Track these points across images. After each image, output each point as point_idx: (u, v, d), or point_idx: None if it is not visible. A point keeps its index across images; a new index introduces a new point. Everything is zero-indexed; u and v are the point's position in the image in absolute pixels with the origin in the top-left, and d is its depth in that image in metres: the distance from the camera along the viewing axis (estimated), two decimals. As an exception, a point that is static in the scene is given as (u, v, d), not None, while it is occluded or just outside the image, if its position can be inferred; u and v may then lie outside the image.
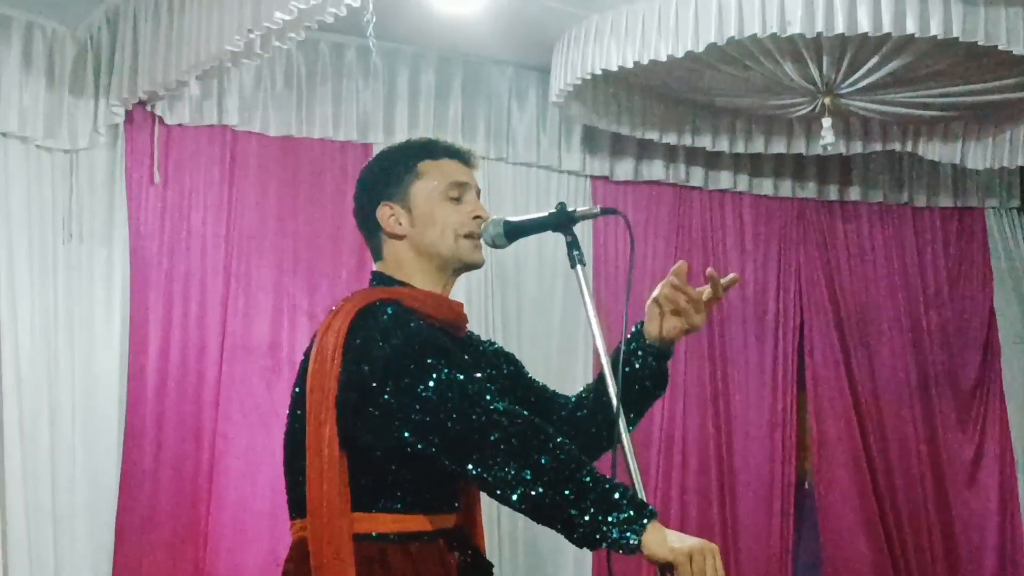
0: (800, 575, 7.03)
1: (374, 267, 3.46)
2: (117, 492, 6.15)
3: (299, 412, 3.25)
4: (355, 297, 3.30)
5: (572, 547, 3.03)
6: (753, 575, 6.80)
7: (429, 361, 3.07)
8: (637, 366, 3.42)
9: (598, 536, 2.90)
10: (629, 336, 3.45)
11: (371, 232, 3.44)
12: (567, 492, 2.91)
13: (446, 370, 3.06)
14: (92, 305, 6.26)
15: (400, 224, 3.38)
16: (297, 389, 3.29)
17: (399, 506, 3.18)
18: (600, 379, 3.44)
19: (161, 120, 6.42)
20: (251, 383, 6.47)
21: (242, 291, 6.54)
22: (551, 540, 3.04)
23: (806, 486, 7.15)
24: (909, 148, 7.28)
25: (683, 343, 7.06)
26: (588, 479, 2.92)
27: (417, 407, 3.04)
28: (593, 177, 7.40)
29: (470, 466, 2.99)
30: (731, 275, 3.53)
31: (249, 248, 6.61)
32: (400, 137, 6.44)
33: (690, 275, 7.02)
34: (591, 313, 3.21)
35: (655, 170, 7.45)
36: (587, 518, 2.89)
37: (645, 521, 2.88)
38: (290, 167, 6.74)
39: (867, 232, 7.73)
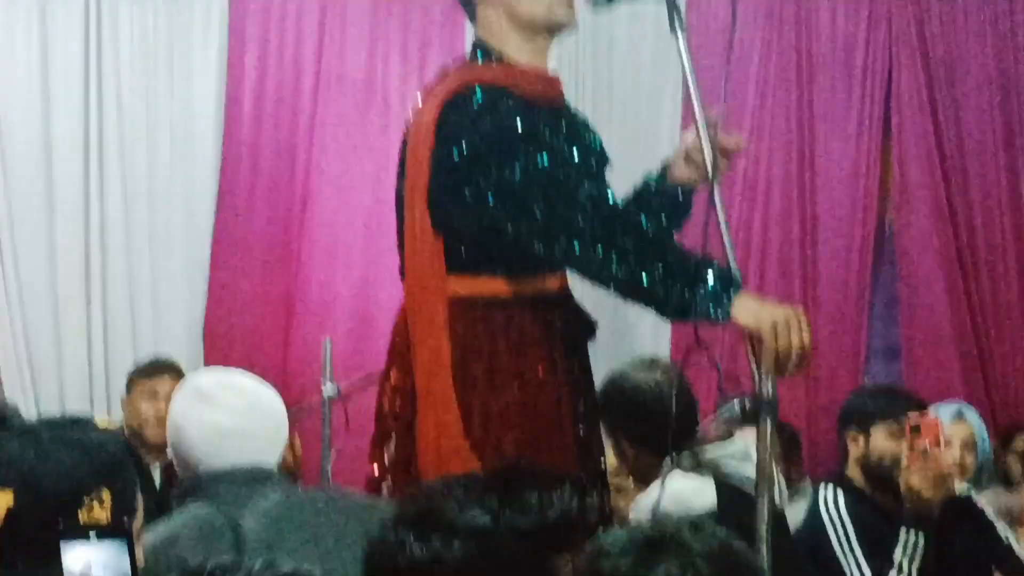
0: (877, 318, 7.10)
1: (476, 32, 3.42)
2: (213, 214, 6.35)
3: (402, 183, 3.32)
4: (450, 78, 3.31)
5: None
6: (831, 318, 6.87)
7: (518, 146, 3.11)
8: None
9: (688, 310, 3.00)
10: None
11: None
12: (654, 271, 2.99)
13: (536, 156, 3.11)
14: (190, 34, 6.37)
15: None
16: (401, 160, 3.34)
17: (500, 270, 3.25)
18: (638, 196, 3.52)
19: None
20: (345, 115, 6.54)
21: (337, 24, 6.57)
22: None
23: (887, 231, 7.16)
24: None
25: (770, 89, 7.12)
26: (672, 257, 3.01)
27: (505, 192, 3.11)
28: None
29: (557, 251, 3.09)
30: (736, 137, 3.48)
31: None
32: None
33: (780, 23, 6.89)
34: (691, 78, 3.18)
35: (748, -86, 7.29)
36: (675, 295, 2.99)
37: (733, 292, 2.98)
38: None
39: (960, -19, 7.58)
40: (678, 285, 2.99)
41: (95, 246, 6.10)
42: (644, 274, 3.00)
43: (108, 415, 5.96)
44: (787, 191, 6.95)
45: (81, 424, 2.57)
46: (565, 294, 3.42)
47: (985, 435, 5.47)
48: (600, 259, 3.03)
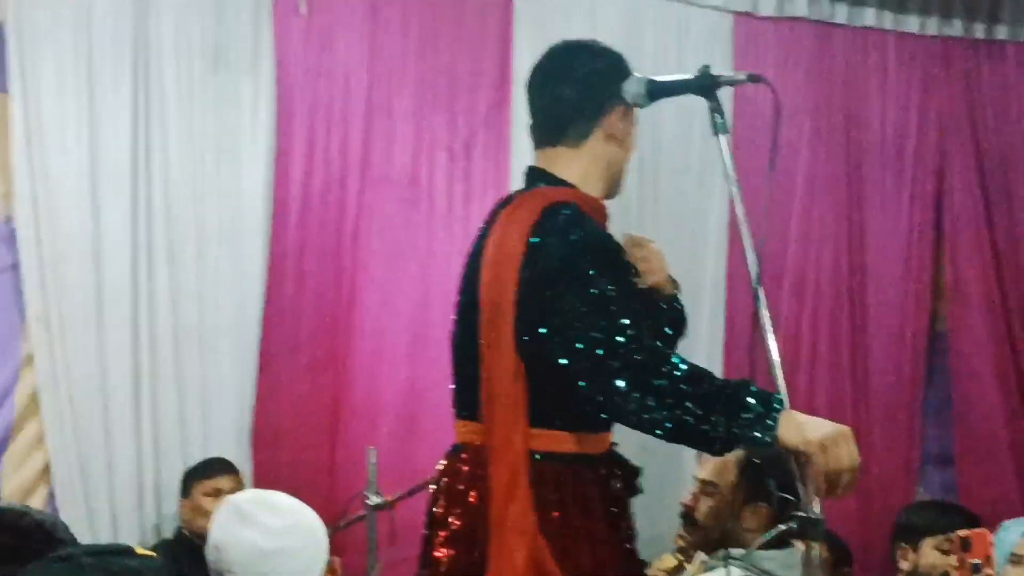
0: (930, 419, 7.02)
1: (536, 162, 3.40)
2: (261, 317, 6.32)
3: (465, 310, 3.26)
4: (531, 198, 3.27)
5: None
6: (884, 417, 6.80)
7: (591, 272, 3.04)
8: None
9: (733, 440, 2.90)
10: None
11: (587, 118, 3.35)
12: (693, 408, 2.88)
13: (605, 282, 3.04)
14: (238, 133, 6.37)
15: (626, 132, 3.37)
16: (464, 286, 3.30)
17: (568, 423, 3.17)
18: None
19: (307, -51, 6.45)
20: (390, 215, 6.53)
21: (383, 123, 6.58)
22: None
23: (938, 331, 7.11)
24: (1061, -17, 7.10)
25: (819, 182, 7.08)
26: (710, 390, 2.91)
27: (568, 313, 3.02)
28: (735, 13, 7.27)
29: (597, 393, 2.98)
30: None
31: (390, 79, 6.62)
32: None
33: (829, 116, 6.81)
34: (733, 182, 3.14)
35: (798, 6, 7.32)
36: (720, 429, 2.88)
37: (776, 414, 2.87)
38: (432, -2, 6.73)
39: (1013, 73, 7.58)
40: (720, 419, 2.88)
41: (144, 348, 6.07)
42: (683, 414, 2.90)
43: (158, 518, 5.99)
44: (837, 289, 6.91)
45: (121, 552, 2.56)
46: (618, 452, 3.35)
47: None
48: (636, 404, 2.93)
